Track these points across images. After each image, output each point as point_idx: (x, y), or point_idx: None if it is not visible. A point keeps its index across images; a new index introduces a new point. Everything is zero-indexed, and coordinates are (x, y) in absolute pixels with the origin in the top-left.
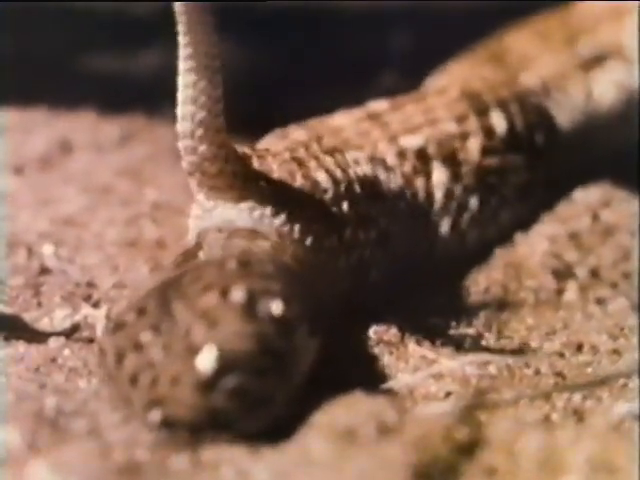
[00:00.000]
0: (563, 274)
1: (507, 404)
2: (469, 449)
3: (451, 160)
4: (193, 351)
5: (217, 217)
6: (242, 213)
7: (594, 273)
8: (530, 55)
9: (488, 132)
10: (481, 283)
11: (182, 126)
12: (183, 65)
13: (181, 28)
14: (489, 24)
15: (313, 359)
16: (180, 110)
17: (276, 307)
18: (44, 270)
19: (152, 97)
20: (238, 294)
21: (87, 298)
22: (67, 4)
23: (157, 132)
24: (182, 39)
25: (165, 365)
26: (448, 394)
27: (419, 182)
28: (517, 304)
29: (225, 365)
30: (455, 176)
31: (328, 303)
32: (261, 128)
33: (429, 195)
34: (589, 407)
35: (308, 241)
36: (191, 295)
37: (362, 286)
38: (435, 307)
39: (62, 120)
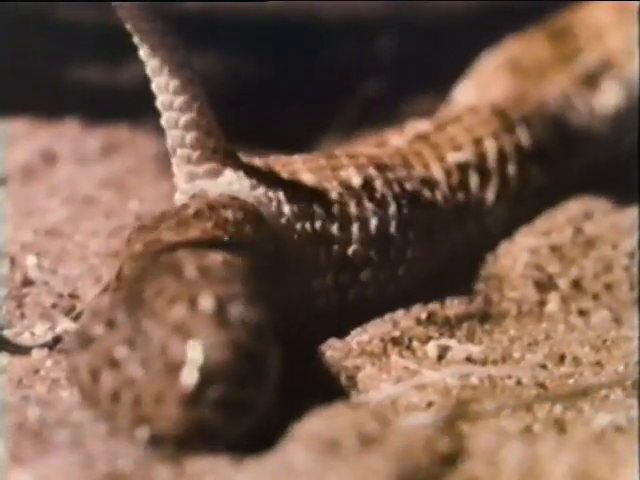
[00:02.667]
0: (545, 286)
1: (489, 415)
2: (451, 460)
3: (485, 171)
4: (174, 366)
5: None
6: (219, 187)
7: (576, 285)
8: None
9: (516, 146)
10: (464, 294)
11: (161, 99)
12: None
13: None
14: (474, 33)
15: (280, 358)
16: (155, 83)
17: (245, 310)
18: (27, 281)
19: (136, 108)
20: (207, 302)
21: (70, 309)
22: (50, 14)
23: (141, 143)
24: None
25: (146, 382)
26: (430, 405)
27: (460, 194)
28: (499, 315)
29: (207, 376)
30: (487, 185)
31: (303, 295)
32: (248, 139)
33: (468, 203)
34: (570, 418)
35: (283, 220)
36: (158, 309)
37: (349, 284)
38: (417, 318)
39: (45, 131)
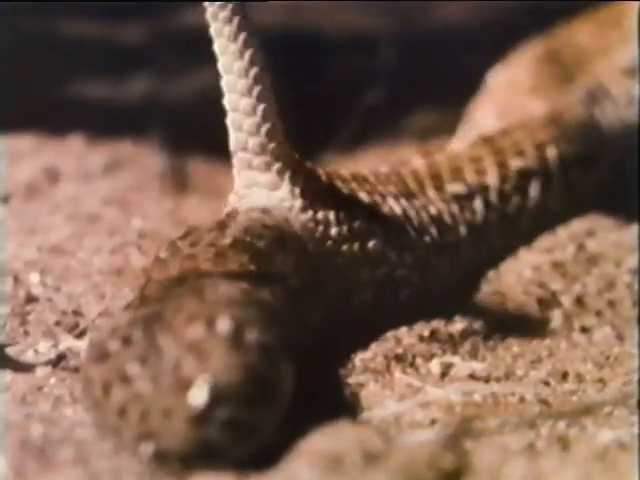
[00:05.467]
0: (548, 303)
1: (492, 432)
2: (454, 477)
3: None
4: (184, 384)
5: (250, 202)
6: (272, 201)
7: (579, 302)
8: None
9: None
10: (467, 311)
11: (227, 98)
12: (216, 38)
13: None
14: (475, 45)
15: (292, 385)
16: (224, 81)
17: (261, 335)
18: (31, 299)
19: (139, 125)
20: (224, 324)
21: (74, 327)
22: (54, 31)
23: (144, 160)
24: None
25: (155, 398)
26: (433, 422)
27: (515, 199)
28: (503, 332)
29: (217, 398)
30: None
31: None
32: None
33: (523, 210)
34: (574, 435)
35: (328, 243)
36: (176, 326)
37: (389, 303)
38: (420, 335)
39: (49, 148)
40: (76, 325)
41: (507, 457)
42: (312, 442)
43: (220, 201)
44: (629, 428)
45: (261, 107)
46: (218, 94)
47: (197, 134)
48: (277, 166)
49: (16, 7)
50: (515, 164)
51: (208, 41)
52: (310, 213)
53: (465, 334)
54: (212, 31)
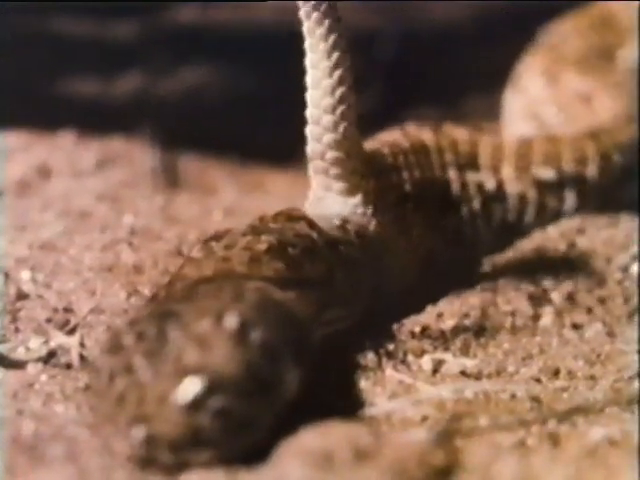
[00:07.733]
0: (539, 299)
1: (483, 429)
2: (445, 474)
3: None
4: (182, 372)
5: (326, 206)
6: (347, 207)
7: (570, 298)
8: None
9: None
10: (459, 308)
11: (310, 111)
12: (310, 55)
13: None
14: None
15: (296, 389)
16: (309, 94)
17: (267, 335)
18: (21, 295)
19: (131, 121)
20: (232, 320)
21: (64, 324)
22: (46, 29)
23: (135, 156)
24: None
25: (152, 384)
26: (424, 419)
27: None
28: (494, 329)
29: (212, 387)
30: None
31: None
32: (243, 151)
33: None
34: (564, 432)
35: (392, 244)
36: (186, 321)
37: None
38: (411, 331)
39: (41, 145)
40: (67, 322)
41: (498, 454)
42: (303, 439)
43: (211, 198)
44: (619, 425)
45: (343, 125)
46: (209, 91)
47: (188, 131)
48: (353, 179)
49: (7, 5)
50: (617, 159)
51: (199, 39)
52: (381, 217)
53: (456, 331)
54: (304, 30)
